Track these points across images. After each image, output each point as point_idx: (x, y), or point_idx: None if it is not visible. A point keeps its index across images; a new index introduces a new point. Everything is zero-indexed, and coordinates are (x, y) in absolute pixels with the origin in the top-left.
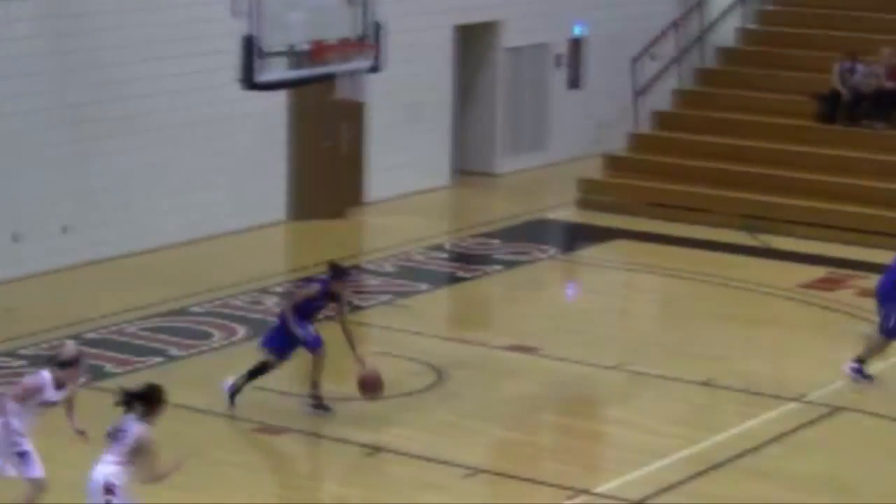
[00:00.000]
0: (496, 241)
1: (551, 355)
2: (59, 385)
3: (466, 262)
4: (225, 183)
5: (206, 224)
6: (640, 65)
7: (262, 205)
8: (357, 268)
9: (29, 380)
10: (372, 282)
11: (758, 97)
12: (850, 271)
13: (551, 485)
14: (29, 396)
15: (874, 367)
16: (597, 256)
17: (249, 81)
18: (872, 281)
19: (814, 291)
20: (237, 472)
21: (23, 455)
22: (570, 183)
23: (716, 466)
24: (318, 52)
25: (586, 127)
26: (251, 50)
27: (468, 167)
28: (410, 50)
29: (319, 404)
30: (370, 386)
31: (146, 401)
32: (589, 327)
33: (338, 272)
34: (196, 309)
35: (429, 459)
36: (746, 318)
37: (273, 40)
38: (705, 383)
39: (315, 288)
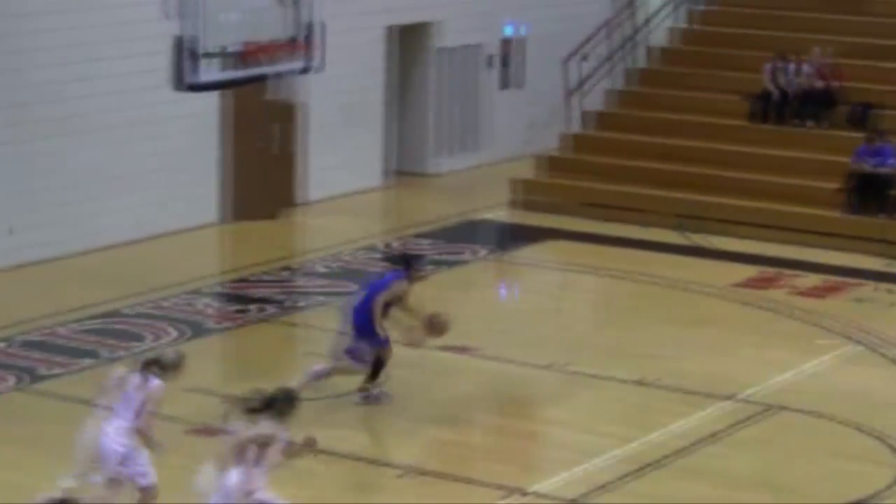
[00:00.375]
0: (433, 242)
1: (486, 355)
2: None
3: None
4: (160, 184)
5: (143, 225)
6: (573, 65)
7: (196, 206)
8: (290, 269)
9: (154, 392)
10: (304, 283)
11: (691, 97)
12: (782, 270)
13: (486, 485)
14: (153, 406)
15: (807, 365)
16: (531, 257)
17: (182, 83)
18: (805, 280)
19: (747, 290)
20: (171, 474)
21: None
22: (504, 183)
23: (650, 465)
24: (252, 53)
25: (519, 127)
26: (183, 51)
27: (402, 167)
28: (343, 51)
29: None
30: (437, 327)
31: (279, 405)
32: (524, 327)
33: (410, 261)
34: (129, 311)
35: (363, 460)
36: (681, 318)
37: (206, 42)
38: (640, 383)
39: (403, 285)
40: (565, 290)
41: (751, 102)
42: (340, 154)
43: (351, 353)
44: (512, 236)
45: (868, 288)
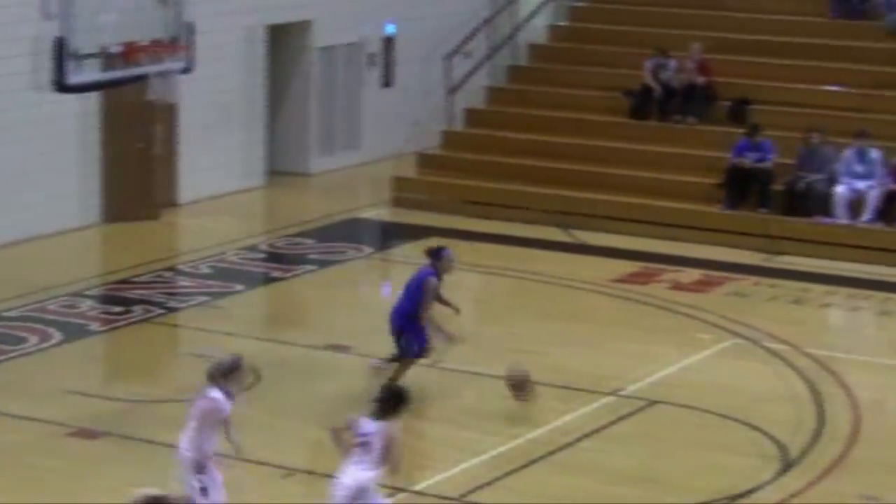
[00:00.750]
0: (311, 241)
1: (367, 354)
2: (228, 397)
3: (281, 262)
4: (40, 185)
5: (23, 226)
6: (453, 63)
7: (76, 207)
8: (172, 270)
9: (204, 403)
10: (186, 283)
11: (570, 94)
12: (662, 266)
13: None
14: (210, 419)
15: (688, 359)
16: (411, 255)
17: (61, 83)
18: (685, 275)
19: (628, 286)
20: (51, 477)
21: (204, 490)
22: (385, 181)
23: (533, 462)
24: (130, 53)
25: (400, 125)
26: (62, 52)
27: (282, 167)
28: (221, 50)
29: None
30: (519, 386)
31: (391, 404)
32: None
33: (436, 253)
34: (10, 314)
35: (245, 461)
36: (561, 314)
37: (85, 42)
38: None
39: (434, 282)
40: (446, 288)
41: (631, 99)
42: (220, 154)
43: (406, 352)
44: (392, 234)
45: (748, 282)
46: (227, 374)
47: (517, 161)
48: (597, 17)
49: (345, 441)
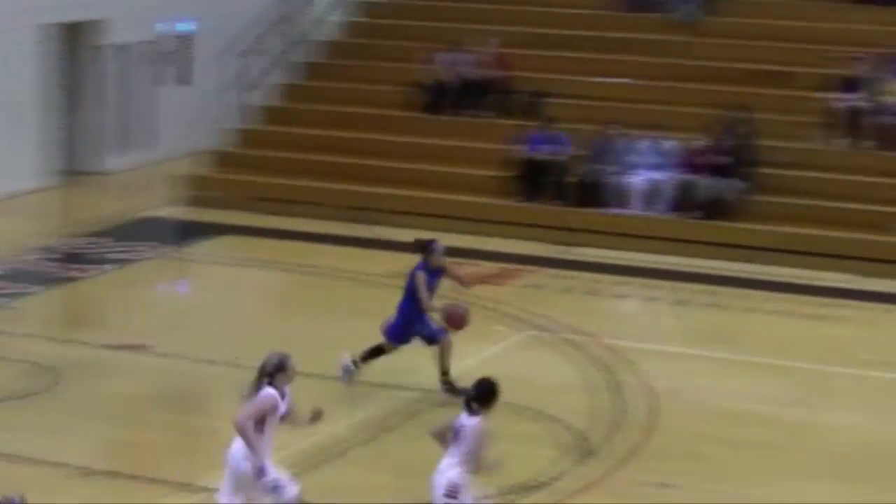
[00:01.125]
0: (107, 240)
1: (163, 353)
2: (282, 395)
3: (77, 262)
4: None
5: None
6: (249, 60)
7: None
8: None
9: (261, 402)
10: None
11: (365, 89)
12: (458, 259)
13: (157, 482)
14: (267, 417)
15: (485, 352)
16: (206, 253)
17: None
18: (480, 268)
19: None
20: None
21: (276, 489)
22: (180, 180)
23: (330, 457)
24: None
25: (192, 123)
26: None
27: (79, 167)
28: (13, 50)
29: (452, 388)
30: (456, 320)
31: (482, 397)
32: (200, 324)
33: (424, 247)
34: None
35: (42, 462)
36: (352, 309)
37: None
38: (313, 376)
39: (421, 275)
40: (238, 285)
41: (424, 93)
42: (13, 154)
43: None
44: (188, 233)
45: (544, 274)
46: (272, 373)
47: (314, 157)
48: (392, 13)
49: (448, 439)
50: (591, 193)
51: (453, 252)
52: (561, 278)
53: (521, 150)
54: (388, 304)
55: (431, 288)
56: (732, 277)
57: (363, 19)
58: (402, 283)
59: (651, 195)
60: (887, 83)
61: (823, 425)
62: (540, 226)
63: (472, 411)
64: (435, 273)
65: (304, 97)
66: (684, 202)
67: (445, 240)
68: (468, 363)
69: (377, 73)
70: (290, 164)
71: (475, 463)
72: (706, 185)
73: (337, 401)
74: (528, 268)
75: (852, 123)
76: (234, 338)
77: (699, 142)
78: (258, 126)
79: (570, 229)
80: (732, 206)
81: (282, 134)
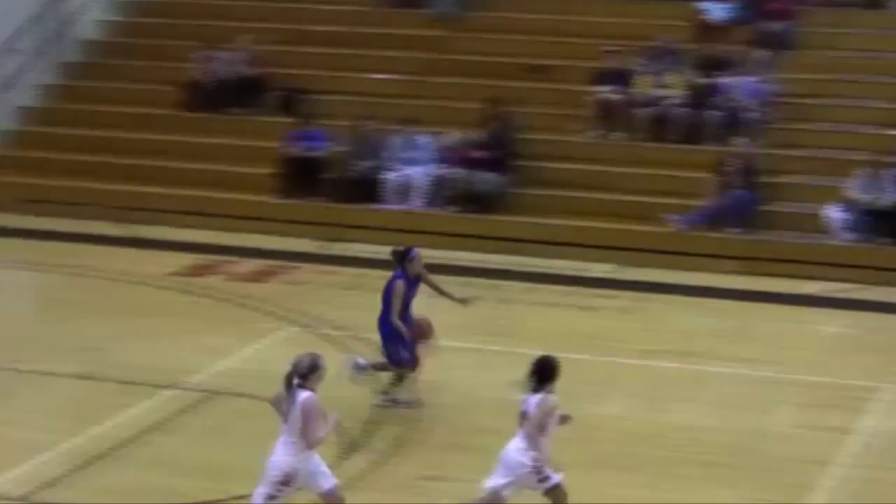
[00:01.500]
0: None
1: None
2: None
3: None
4: None
5: None
6: (3, 59)
7: None
8: None
9: (304, 405)
10: None
11: (124, 88)
12: (220, 257)
13: None
14: (313, 418)
15: (248, 349)
16: None
17: None
18: (242, 265)
19: (185, 279)
20: None
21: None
22: None
23: (98, 458)
24: None
25: None
26: None
27: None
28: None
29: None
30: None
31: (542, 373)
32: None
33: (402, 256)
34: None
35: None
36: (122, 309)
37: None
38: (83, 376)
39: (401, 287)
40: (6, 288)
41: (182, 91)
42: None
43: (391, 360)
44: None
45: (305, 271)
46: (306, 375)
47: (75, 157)
48: (150, 11)
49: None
50: (351, 189)
51: (215, 250)
52: (322, 274)
53: (282, 147)
54: (161, 304)
55: (409, 297)
56: (495, 269)
57: (121, 18)
58: (168, 282)
59: (406, 189)
60: (639, 76)
61: (590, 414)
62: (300, 222)
63: (536, 388)
64: (413, 282)
65: (64, 97)
66: (440, 196)
67: (206, 237)
68: (230, 362)
69: (137, 72)
70: (53, 165)
71: (532, 433)
72: (463, 179)
73: (99, 401)
74: (290, 264)
75: (606, 115)
76: (6, 341)
77: (457, 136)
78: (18, 126)
79: (326, 224)
80: (493, 199)
81: (43, 134)
